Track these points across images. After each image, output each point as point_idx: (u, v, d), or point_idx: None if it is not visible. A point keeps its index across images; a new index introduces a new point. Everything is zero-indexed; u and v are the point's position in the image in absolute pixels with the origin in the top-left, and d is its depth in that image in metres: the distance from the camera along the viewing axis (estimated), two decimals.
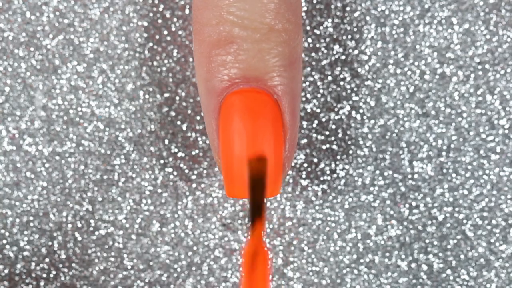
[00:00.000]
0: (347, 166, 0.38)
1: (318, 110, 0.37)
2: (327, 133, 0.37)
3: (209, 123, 0.31)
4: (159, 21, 0.37)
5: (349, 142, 0.37)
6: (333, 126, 0.37)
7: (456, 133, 0.37)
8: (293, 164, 0.38)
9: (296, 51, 0.30)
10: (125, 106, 0.37)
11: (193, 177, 0.38)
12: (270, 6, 0.30)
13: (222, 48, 0.30)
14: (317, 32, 0.37)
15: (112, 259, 0.38)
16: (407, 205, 0.38)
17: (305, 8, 0.37)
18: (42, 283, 0.38)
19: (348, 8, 0.37)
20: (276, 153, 0.30)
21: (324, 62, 0.37)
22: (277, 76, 0.30)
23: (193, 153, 0.37)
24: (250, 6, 0.29)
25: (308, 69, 0.37)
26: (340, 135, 0.37)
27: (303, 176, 0.38)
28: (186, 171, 0.37)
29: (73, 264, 0.38)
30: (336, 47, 0.37)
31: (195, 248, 0.38)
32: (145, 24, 0.37)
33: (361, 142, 0.37)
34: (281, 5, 0.30)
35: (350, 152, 0.38)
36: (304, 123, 0.37)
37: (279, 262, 0.38)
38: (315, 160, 0.38)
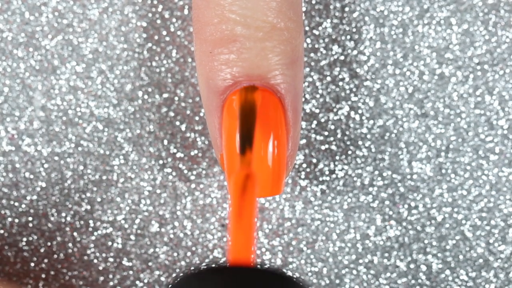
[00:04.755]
0: (346, 167, 0.38)
1: (317, 111, 0.37)
2: (326, 133, 0.37)
3: (211, 122, 0.31)
4: (158, 21, 0.37)
5: (348, 143, 0.37)
6: (332, 127, 0.37)
7: (455, 133, 0.37)
8: None
9: (298, 49, 0.31)
10: (124, 107, 0.37)
11: (192, 177, 0.37)
12: (272, 5, 0.30)
13: (224, 46, 0.30)
14: (316, 32, 0.37)
15: (111, 259, 0.38)
16: (406, 206, 0.38)
17: (304, 9, 0.37)
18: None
19: (347, 9, 0.37)
20: (279, 152, 0.30)
21: (323, 62, 0.37)
22: (280, 74, 0.30)
23: (192, 153, 0.37)
24: (252, 5, 0.29)
25: (307, 69, 0.37)
26: (339, 136, 0.37)
27: (302, 176, 0.38)
28: (185, 171, 0.37)
29: (72, 265, 0.38)
30: (335, 47, 0.37)
31: (194, 248, 0.38)
32: (144, 24, 0.37)
33: (360, 143, 0.37)
34: (283, 3, 0.30)
35: (349, 152, 0.38)
36: (303, 124, 0.37)
37: (278, 262, 0.38)
38: (314, 160, 0.38)
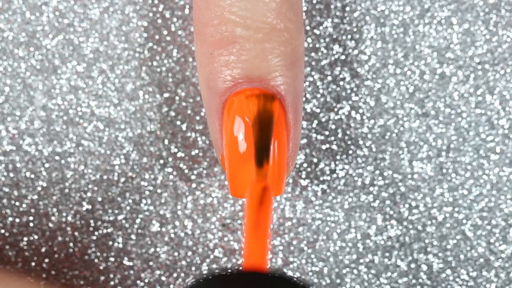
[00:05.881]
0: (346, 166, 0.38)
1: (318, 110, 0.37)
2: (326, 133, 0.37)
3: (212, 123, 0.31)
4: (159, 21, 0.37)
5: (349, 142, 0.37)
6: (333, 126, 0.37)
7: (455, 133, 0.37)
8: None
9: (298, 50, 0.31)
10: (124, 106, 0.37)
11: (193, 177, 0.38)
12: (271, 6, 0.30)
13: (224, 48, 0.30)
14: (317, 32, 0.37)
15: (112, 259, 0.38)
16: (406, 205, 0.38)
17: (304, 8, 0.37)
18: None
19: (347, 8, 0.37)
20: (280, 153, 0.30)
21: (324, 62, 0.37)
22: (280, 75, 0.30)
23: (193, 153, 0.37)
24: (252, 6, 0.29)
25: (308, 69, 0.37)
26: (339, 135, 0.37)
27: (303, 176, 0.38)
28: (186, 171, 0.37)
29: (73, 264, 0.38)
30: (336, 47, 0.37)
31: (195, 248, 0.38)
32: (145, 24, 0.37)
33: (360, 142, 0.37)
34: (282, 4, 0.30)
35: (350, 152, 0.38)
36: (304, 123, 0.37)
37: (279, 262, 0.38)
38: (315, 160, 0.38)
